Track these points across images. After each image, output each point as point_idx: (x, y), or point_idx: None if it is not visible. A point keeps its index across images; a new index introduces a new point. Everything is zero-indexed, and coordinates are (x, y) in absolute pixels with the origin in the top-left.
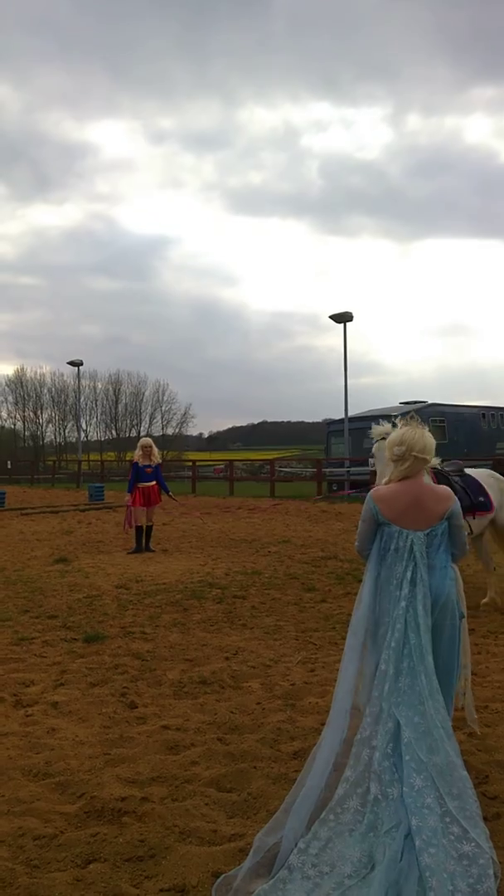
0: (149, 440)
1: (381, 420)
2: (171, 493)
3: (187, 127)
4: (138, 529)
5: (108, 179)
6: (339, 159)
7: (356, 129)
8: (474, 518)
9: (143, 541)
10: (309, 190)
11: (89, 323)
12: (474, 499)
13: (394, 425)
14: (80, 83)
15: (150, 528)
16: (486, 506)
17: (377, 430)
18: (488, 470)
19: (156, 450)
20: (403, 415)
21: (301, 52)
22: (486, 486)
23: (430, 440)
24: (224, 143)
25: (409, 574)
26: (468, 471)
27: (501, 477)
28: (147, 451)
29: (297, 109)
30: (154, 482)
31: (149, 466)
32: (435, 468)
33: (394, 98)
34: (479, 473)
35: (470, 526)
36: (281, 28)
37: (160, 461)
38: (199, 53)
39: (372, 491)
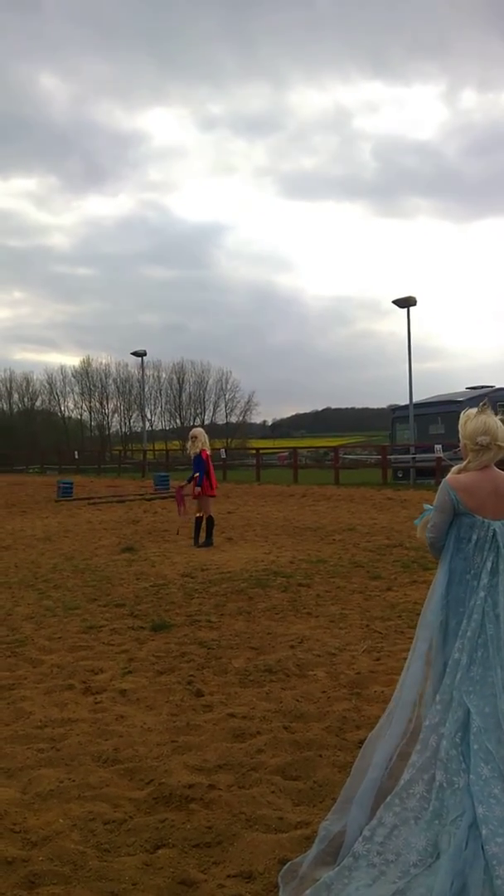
0: (193, 431)
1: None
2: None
3: (237, 112)
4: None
5: (160, 168)
6: (393, 140)
7: (409, 109)
8: None
9: (196, 533)
10: (362, 172)
11: (147, 312)
12: None
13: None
14: (127, 72)
15: (199, 521)
16: None
17: None
18: None
19: (198, 439)
20: (470, 401)
21: (349, 30)
22: None
23: None
24: (275, 126)
25: (489, 564)
26: None
27: None
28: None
29: (347, 90)
30: (197, 473)
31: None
32: None
33: (447, 75)
34: None
35: None
36: (327, 5)
37: (199, 450)
38: (246, 36)
39: (449, 479)
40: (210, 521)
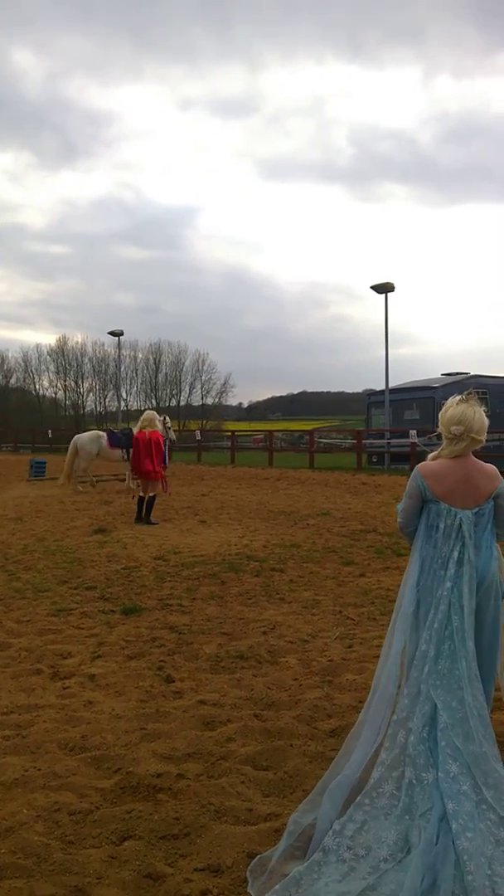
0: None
1: (441, 392)
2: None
3: (213, 93)
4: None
5: (134, 147)
6: (368, 126)
7: (384, 95)
8: None
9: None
10: (338, 158)
11: (122, 292)
12: None
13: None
14: (102, 49)
15: (141, 500)
16: None
17: None
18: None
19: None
20: (444, 387)
21: (325, 11)
22: None
23: (485, 421)
24: (251, 109)
25: (455, 554)
26: None
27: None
28: None
29: (323, 72)
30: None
31: None
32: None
33: (423, 62)
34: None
35: None
36: None
37: (133, 431)
38: (222, 17)
39: (419, 466)
40: (139, 501)
